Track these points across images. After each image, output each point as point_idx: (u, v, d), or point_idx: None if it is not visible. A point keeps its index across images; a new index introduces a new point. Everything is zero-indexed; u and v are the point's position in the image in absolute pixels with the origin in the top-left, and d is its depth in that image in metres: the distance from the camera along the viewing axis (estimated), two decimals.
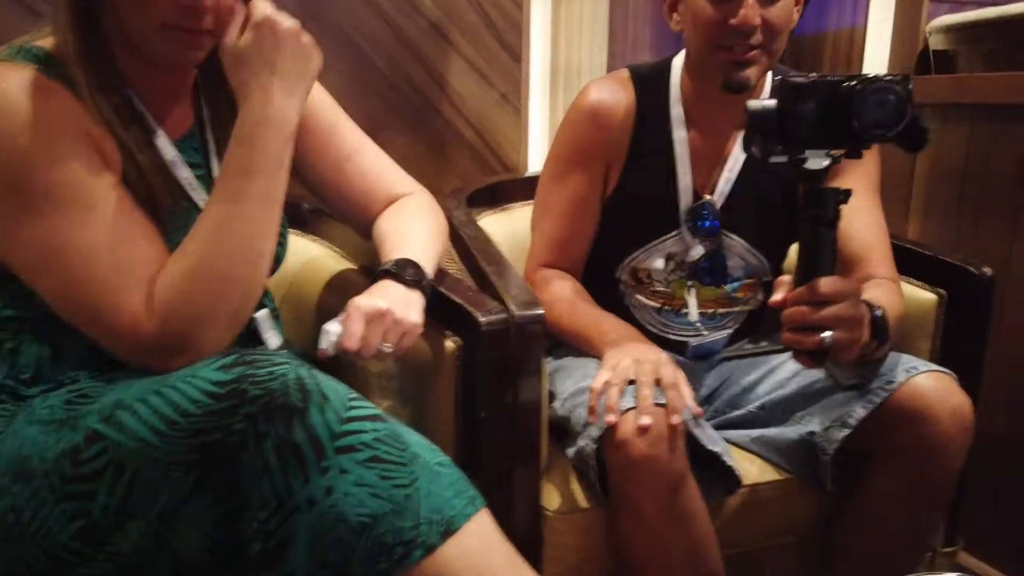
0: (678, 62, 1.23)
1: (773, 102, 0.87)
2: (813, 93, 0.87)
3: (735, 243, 1.21)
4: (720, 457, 1.04)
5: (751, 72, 1.10)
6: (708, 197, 1.20)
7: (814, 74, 0.89)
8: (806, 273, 0.90)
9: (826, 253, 0.89)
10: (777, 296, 0.91)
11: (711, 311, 1.24)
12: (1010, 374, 1.40)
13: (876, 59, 1.72)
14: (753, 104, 0.88)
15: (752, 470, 1.16)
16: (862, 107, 0.84)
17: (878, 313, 0.98)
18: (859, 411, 1.05)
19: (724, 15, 1.08)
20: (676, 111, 1.20)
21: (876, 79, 0.85)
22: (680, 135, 1.20)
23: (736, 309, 1.26)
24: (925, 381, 1.04)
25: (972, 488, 1.26)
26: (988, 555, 1.41)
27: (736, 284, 1.24)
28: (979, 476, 1.25)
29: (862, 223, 1.16)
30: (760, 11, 1.07)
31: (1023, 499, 1.40)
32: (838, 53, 1.84)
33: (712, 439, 1.06)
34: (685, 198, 1.20)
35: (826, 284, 0.88)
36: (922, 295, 1.27)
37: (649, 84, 1.22)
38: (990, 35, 1.66)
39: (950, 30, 1.71)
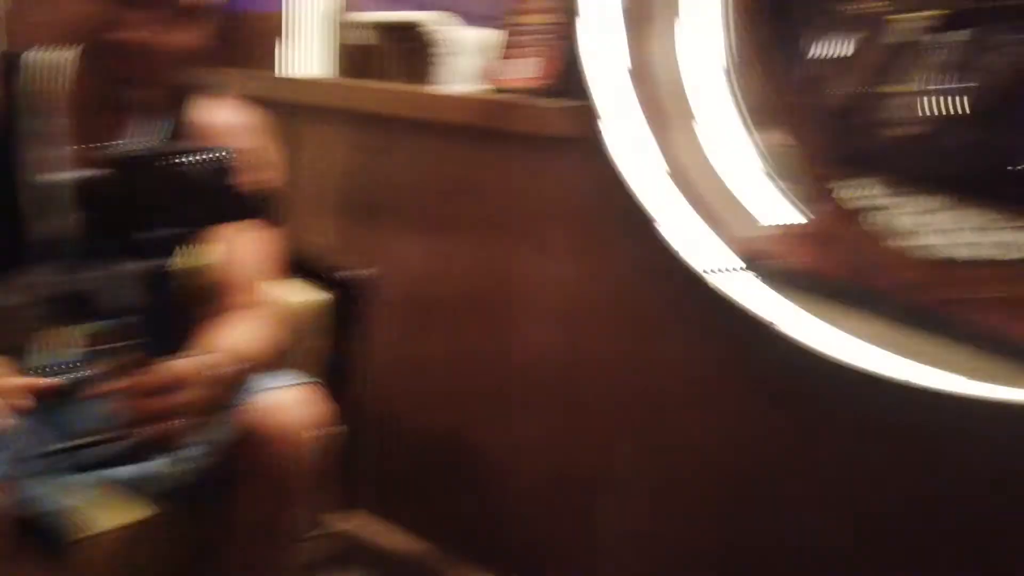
0: (37, 56, 1.04)
1: (99, 172, 0.80)
2: (139, 170, 0.81)
3: (115, 276, 1.12)
4: (40, 519, 0.95)
5: (136, 93, 1.00)
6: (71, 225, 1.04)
7: (145, 145, 0.83)
8: (147, 355, 0.84)
9: (169, 335, 0.86)
10: (114, 384, 0.85)
11: (80, 349, 1.11)
12: (387, 363, 1.54)
13: (296, 49, 1.74)
14: (79, 175, 0.79)
15: (123, 512, 1.09)
16: (183, 196, 0.81)
17: (243, 367, 0.98)
18: (219, 437, 1.04)
19: (103, 25, 0.95)
20: (32, 121, 1.03)
21: (186, 163, 0.82)
22: (38, 152, 1.02)
23: (113, 345, 1.18)
24: (278, 399, 1.05)
25: (369, 463, 1.40)
26: (387, 516, 1.65)
27: (112, 321, 1.15)
28: (374, 451, 1.43)
29: (235, 256, 1.13)
30: (148, 33, 0.95)
31: (409, 467, 1.63)
32: (261, 36, 1.81)
33: (36, 499, 0.95)
34: (40, 226, 1.03)
35: (171, 370, 0.84)
36: (314, 298, 1.33)
37: (14, 81, 1.02)
38: (397, 36, 1.80)
39: (364, 27, 1.80)
